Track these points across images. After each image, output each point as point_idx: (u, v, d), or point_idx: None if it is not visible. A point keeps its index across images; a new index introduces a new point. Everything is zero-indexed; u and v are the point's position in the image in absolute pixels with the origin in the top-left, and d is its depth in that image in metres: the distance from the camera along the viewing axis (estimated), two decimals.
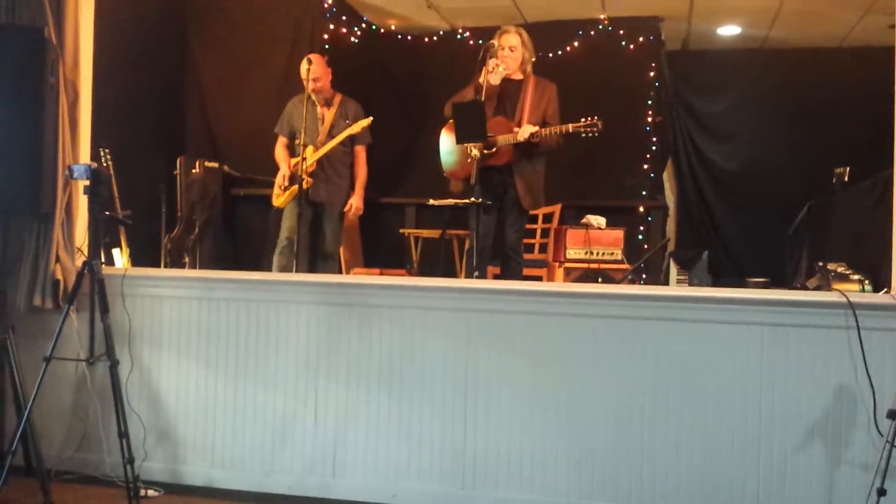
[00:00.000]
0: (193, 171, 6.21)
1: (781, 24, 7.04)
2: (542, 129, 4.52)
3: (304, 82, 5.13)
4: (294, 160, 5.26)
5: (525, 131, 4.50)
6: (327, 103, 5.25)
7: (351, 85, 6.90)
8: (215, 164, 6.36)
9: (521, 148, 4.61)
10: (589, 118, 4.43)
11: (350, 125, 5.22)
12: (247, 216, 6.59)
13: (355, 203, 5.31)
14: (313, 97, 5.20)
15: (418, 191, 7.02)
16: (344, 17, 6.96)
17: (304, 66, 5.13)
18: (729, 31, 7.39)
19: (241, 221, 6.63)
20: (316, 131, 5.20)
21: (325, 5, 6.69)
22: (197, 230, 6.03)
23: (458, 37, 7.45)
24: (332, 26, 6.75)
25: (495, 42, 4.67)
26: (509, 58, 4.69)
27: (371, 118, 5.04)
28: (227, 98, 6.75)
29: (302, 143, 4.90)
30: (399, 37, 7.57)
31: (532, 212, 5.25)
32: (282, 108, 5.47)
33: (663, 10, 6.92)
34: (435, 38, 7.53)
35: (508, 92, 4.70)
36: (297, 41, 6.55)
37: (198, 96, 6.83)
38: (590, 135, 4.45)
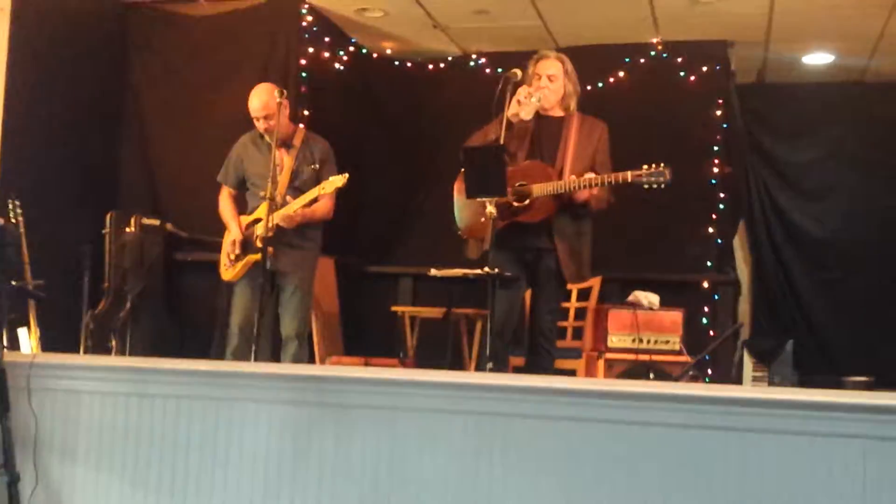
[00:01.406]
0: (127, 229, 6.25)
1: (885, 49, 7.15)
2: (597, 178, 4.53)
3: (255, 121, 5.21)
4: (246, 218, 5.29)
5: (583, 179, 4.51)
6: (285, 144, 5.29)
7: (334, 124, 7.02)
8: (155, 222, 6.42)
9: (564, 203, 4.64)
10: (654, 165, 4.46)
11: (317, 171, 5.24)
12: (195, 289, 6.62)
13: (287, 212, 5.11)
14: (267, 138, 5.27)
15: (416, 257, 7.05)
16: (327, 39, 7.13)
17: (251, 101, 5.21)
18: (818, 59, 7.51)
19: (188, 295, 6.66)
20: (272, 182, 5.21)
21: (304, 24, 6.86)
22: (129, 305, 6.04)
23: (472, 64, 7.60)
24: (311, 49, 6.91)
25: (519, 72, 4.73)
26: (547, 89, 4.74)
27: (346, 176, 5.00)
28: (176, 139, 6.88)
29: (268, 194, 4.91)
30: (396, 63, 7.73)
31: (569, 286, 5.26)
32: None
33: (734, 33, 7.06)
34: (442, 65, 7.68)
35: (546, 131, 4.75)
36: (267, 69, 6.71)
37: (138, 136, 6.97)
38: (654, 187, 4.46)
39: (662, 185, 4.44)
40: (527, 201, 4.60)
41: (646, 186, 4.46)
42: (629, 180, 4.48)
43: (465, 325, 6.21)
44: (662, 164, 4.43)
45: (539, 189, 4.60)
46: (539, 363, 4.77)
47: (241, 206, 5.38)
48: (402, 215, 7.59)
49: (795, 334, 7.23)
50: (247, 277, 5.20)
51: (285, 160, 5.25)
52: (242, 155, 5.36)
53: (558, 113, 4.82)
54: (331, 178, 5.03)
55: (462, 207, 4.83)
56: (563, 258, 4.65)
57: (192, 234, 6.51)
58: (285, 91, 5.16)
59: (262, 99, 5.19)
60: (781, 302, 7.63)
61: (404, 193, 7.63)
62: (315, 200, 5.11)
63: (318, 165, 5.26)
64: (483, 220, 4.47)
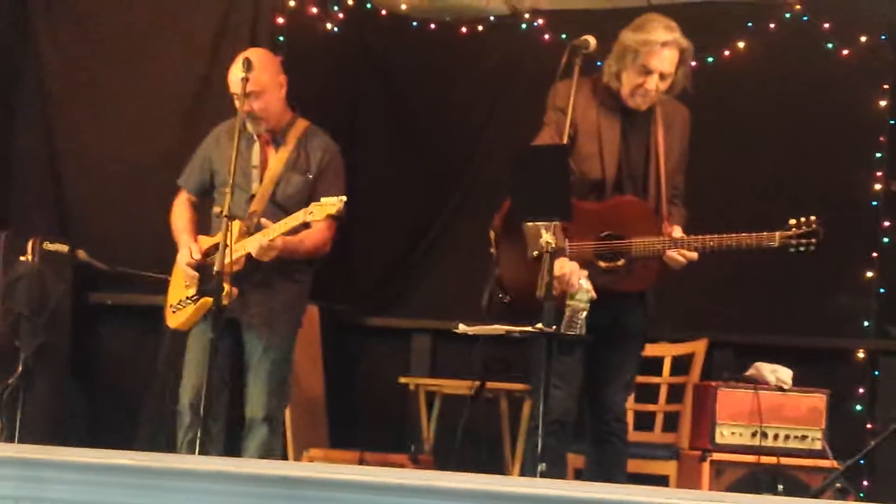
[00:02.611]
0: (21, 257, 6.29)
1: None
2: (724, 238, 4.75)
3: (235, 100, 5.24)
4: (206, 240, 5.31)
5: (706, 239, 4.79)
6: (274, 140, 5.34)
7: (321, 109, 7.04)
8: (63, 248, 6.46)
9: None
10: (803, 220, 4.68)
11: (310, 183, 5.25)
12: (116, 344, 6.66)
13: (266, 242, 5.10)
14: (249, 127, 5.30)
15: (436, 306, 7.11)
16: None
17: (234, 71, 5.24)
18: None
19: (106, 354, 6.68)
20: (248, 189, 5.25)
21: None
22: (20, 368, 6.05)
23: (524, 27, 7.62)
24: (291, 3, 6.96)
25: (592, 40, 4.76)
26: (654, 91, 4.80)
27: (342, 199, 4.96)
28: (94, 127, 6.94)
29: (224, 210, 4.90)
30: (415, 24, 7.74)
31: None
32: (190, 153, 5.60)
33: None
34: (481, 27, 7.68)
35: (633, 135, 4.85)
36: (227, 33, 6.79)
37: (40, 128, 7.03)
38: (802, 250, 4.70)
39: (813, 249, 4.69)
40: (621, 262, 4.68)
41: (792, 250, 4.71)
42: (776, 243, 4.72)
43: (506, 405, 6.22)
44: (815, 220, 4.69)
45: (640, 247, 4.72)
46: (612, 460, 4.85)
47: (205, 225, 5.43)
48: (418, 246, 7.59)
49: None
50: (204, 325, 5.18)
51: (270, 162, 5.26)
52: (212, 151, 5.44)
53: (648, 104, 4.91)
54: (322, 200, 5.02)
55: (506, 260, 4.86)
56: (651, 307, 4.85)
57: (114, 266, 6.52)
58: (252, 62, 5.17)
59: (256, 70, 5.17)
60: None
61: (421, 214, 7.64)
62: (306, 226, 5.10)
63: (313, 174, 5.27)
64: (535, 254, 4.48)
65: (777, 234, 4.68)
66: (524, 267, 4.68)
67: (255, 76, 5.18)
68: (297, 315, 5.39)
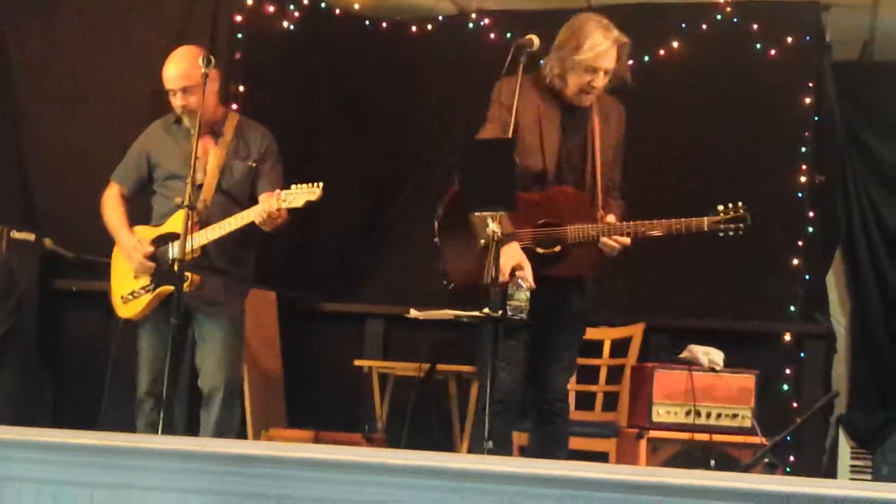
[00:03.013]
0: None
1: None
2: (657, 224, 4.70)
3: (170, 96, 5.23)
4: (149, 230, 5.27)
5: (637, 225, 4.74)
6: (212, 132, 5.31)
7: (279, 105, 7.04)
8: (29, 236, 6.40)
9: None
10: (731, 206, 4.68)
11: (254, 169, 5.25)
12: (81, 329, 6.61)
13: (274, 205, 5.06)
14: (185, 122, 5.29)
15: (390, 292, 7.10)
16: None
17: (168, 68, 5.23)
18: None
19: (71, 339, 6.64)
20: (191, 183, 5.20)
21: None
22: None
23: (472, 26, 7.64)
24: (249, 1, 6.93)
25: (536, 39, 4.76)
26: (599, 89, 4.81)
27: (319, 185, 4.99)
28: (58, 125, 6.88)
29: (186, 200, 4.87)
30: (367, 23, 7.76)
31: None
32: None
33: None
34: (430, 26, 7.73)
35: (571, 126, 4.84)
36: (186, 28, 6.73)
37: (6, 119, 6.93)
38: (730, 234, 4.69)
39: (741, 233, 4.68)
40: (557, 248, 4.70)
41: (721, 234, 4.70)
42: (705, 228, 4.71)
43: (455, 387, 6.21)
44: (742, 206, 4.68)
45: (575, 233, 4.71)
46: (554, 437, 4.84)
47: (137, 216, 5.37)
48: (371, 234, 7.59)
49: None
50: (157, 316, 5.19)
51: (211, 153, 5.25)
52: (150, 146, 5.39)
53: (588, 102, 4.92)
54: (296, 188, 5.00)
55: (450, 248, 4.89)
56: (581, 300, 4.82)
57: (79, 253, 6.49)
58: (213, 58, 5.16)
59: (182, 66, 5.21)
60: (893, 362, 7.60)
61: (374, 204, 7.64)
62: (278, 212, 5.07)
63: (255, 162, 5.27)
64: (483, 242, 4.49)
65: (705, 219, 4.69)
66: (467, 255, 4.72)
67: (188, 71, 5.17)
68: (243, 295, 5.41)
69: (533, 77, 4.87)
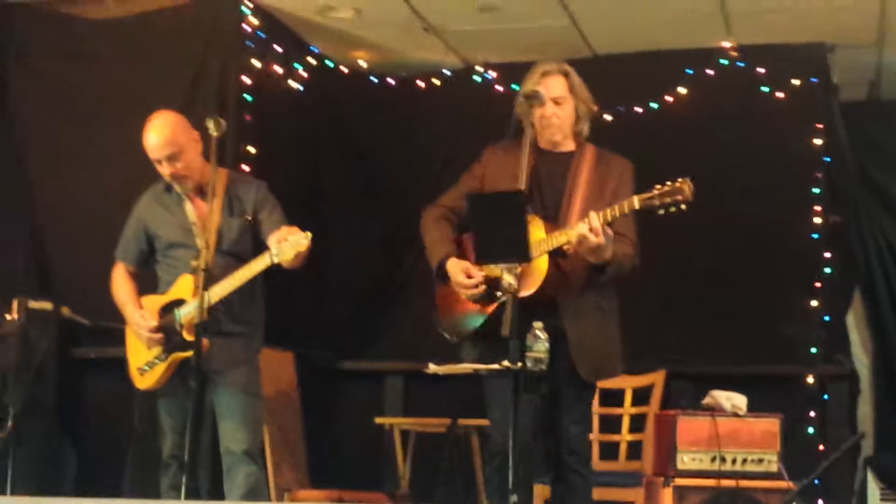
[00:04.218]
0: (7, 316, 6.26)
1: None
2: (594, 215, 4.51)
3: (156, 165, 5.23)
4: (156, 299, 5.28)
5: (577, 229, 4.51)
6: (200, 193, 5.31)
7: (289, 163, 7.08)
8: (47, 305, 6.42)
9: (569, 269, 4.67)
10: (670, 182, 4.46)
11: (251, 224, 5.25)
12: (100, 397, 6.62)
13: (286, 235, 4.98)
14: (177, 188, 5.30)
15: (407, 349, 7.09)
16: (279, 49, 7.22)
17: (149, 138, 5.21)
18: None
19: (91, 407, 6.65)
20: (193, 246, 5.21)
21: (246, 28, 6.96)
22: (11, 423, 6.00)
23: (477, 79, 7.69)
24: (257, 63, 6.99)
25: (543, 89, 4.81)
26: (553, 117, 4.82)
27: (308, 235, 4.88)
28: (72, 188, 6.92)
29: (201, 264, 4.89)
30: (374, 80, 7.82)
31: (601, 384, 5.27)
32: None
33: (835, 33, 7.12)
34: (437, 81, 7.78)
35: (548, 173, 4.82)
36: (196, 91, 6.80)
37: (19, 187, 6.99)
38: (673, 210, 4.47)
39: (682, 206, 4.44)
40: (518, 269, 4.52)
41: (661, 212, 4.48)
42: (636, 207, 4.51)
43: (477, 441, 6.21)
44: (681, 180, 4.44)
45: (536, 245, 4.58)
46: (572, 493, 4.76)
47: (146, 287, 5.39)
48: (385, 291, 7.60)
49: None
50: (173, 383, 5.20)
51: (207, 213, 5.19)
52: (145, 219, 5.39)
53: (568, 146, 4.89)
54: (288, 239, 4.89)
55: (448, 310, 4.90)
56: (575, 347, 4.67)
57: (96, 321, 6.49)
58: (222, 121, 5.15)
59: (164, 133, 5.18)
60: None
61: (386, 259, 7.65)
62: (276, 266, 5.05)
63: (251, 215, 5.27)
64: (500, 294, 4.51)
65: (635, 197, 4.50)
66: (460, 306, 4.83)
67: (171, 138, 5.17)
68: (254, 355, 5.37)
69: (517, 142, 4.88)
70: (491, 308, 4.73)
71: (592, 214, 4.51)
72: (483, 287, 4.72)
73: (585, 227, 4.49)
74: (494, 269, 4.65)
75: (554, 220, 4.71)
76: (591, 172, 4.80)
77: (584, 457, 4.86)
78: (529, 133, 4.72)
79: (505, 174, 4.79)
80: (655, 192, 4.47)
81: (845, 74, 7.43)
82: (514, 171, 4.69)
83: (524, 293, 4.52)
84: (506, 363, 4.36)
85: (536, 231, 4.63)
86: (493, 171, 4.90)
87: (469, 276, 4.74)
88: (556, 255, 4.63)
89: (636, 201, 4.51)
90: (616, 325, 4.84)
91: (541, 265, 4.62)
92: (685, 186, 4.42)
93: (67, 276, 6.82)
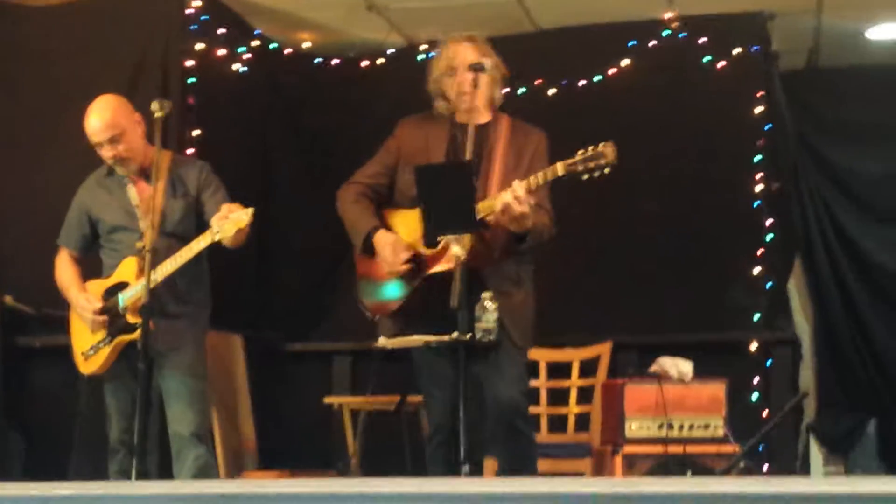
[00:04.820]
0: None
1: None
2: (517, 185, 4.50)
3: (97, 149, 5.21)
4: (100, 283, 5.27)
5: (501, 198, 4.50)
6: (143, 175, 5.29)
7: (234, 145, 7.05)
8: None
9: (489, 239, 4.67)
10: (592, 147, 4.47)
11: (193, 203, 5.23)
12: (45, 385, 6.58)
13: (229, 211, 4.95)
14: (119, 171, 5.29)
15: (355, 329, 7.00)
16: (222, 31, 7.21)
17: (90, 122, 5.20)
18: (889, 32, 7.65)
19: (36, 395, 6.62)
20: (137, 229, 5.21)
21: (189, 12, 6.95)
22: None
23: (421, 58, 7.68)
24: (200, 46, 6.97)
25: (487, 61, 4.78)
26: (466, 86, 4.76)
27: (250, 211, 4.85)
28: (14, 176, 6.89)
29: (147, 245, 4.86)
30: (318, 61, 7.81)
31: (549, 357, 5.28)
32: None
33: (773, 1, 7.17)
34: (380, 60, 7.78)
35: (463, 143, 4.74)
36: (139, 76, 6.77)
37: None
38: (596, 175, 4.48)
39: (606, 170, 4.45)
40: (439, 245, 4.63)
41: (585, 177, 4.48)
42: (560, 173, 4.51)
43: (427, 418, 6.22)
44: (602, 144, 4.45)
45: None
46: (520, 452, 4.74)
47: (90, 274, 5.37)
48: (333, 270, 7.59)
49: (879, 410, 7.28)
50: (119, 367, 5.17)
51: (150, 195, 5.15)
52: (88, 203, 5.36)
53: (483, 117, 4.86)
54: (229, 217, 4.85)
55: (366, 278, 4.89)
56: (505, 314, 4.62)
57: (40, 309, 6.47)
58: (167, 102, 5.12)
59: (105, 116, 5.16)
60: (858, 366, 7.65)
61: (334, 240, 7.61)
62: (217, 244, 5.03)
63: (194, 196, 5.25)
64: (451, 263, 4.50)
65: (559, 163, 4.50)
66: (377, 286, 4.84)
67: (112, 120, 5.15)
68: (199, 336, 5.34)
69: (432, 112, 4.90)
70: (414, 283, 4.74)
71: (517, 183, 4.51)
72: (409, 266, 4.72)
73: (510, 196, 4.49)
74: (420, 246, 4.68)
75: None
76: (507, 144, 4.81)
77: (528, 418, 4.87)
78: (446, 106, 4.78)
79: (421, 147, 4.83)
80: (578, 157, 4.48)
81: (785, 42, 7.49)
82: (429, 143, 4.78)
83: (448, 266, 4.55)
84: (455, 335, 4.39)
85: None
86: (408, 145, 4.91)
87: (396, 252, 4.73)
88: (479, 226, 4.61)
89: (560, 167, 4.52)
90: (532, 296, 4.85)
91: (464, 237, 4.57)
92: (608, 150, 4.44)
93: (11, 265, 6.77)
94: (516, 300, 4.76)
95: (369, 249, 4.84)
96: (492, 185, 4.71)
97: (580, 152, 4.49)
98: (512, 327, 4.70)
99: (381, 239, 4.81)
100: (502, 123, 4.87)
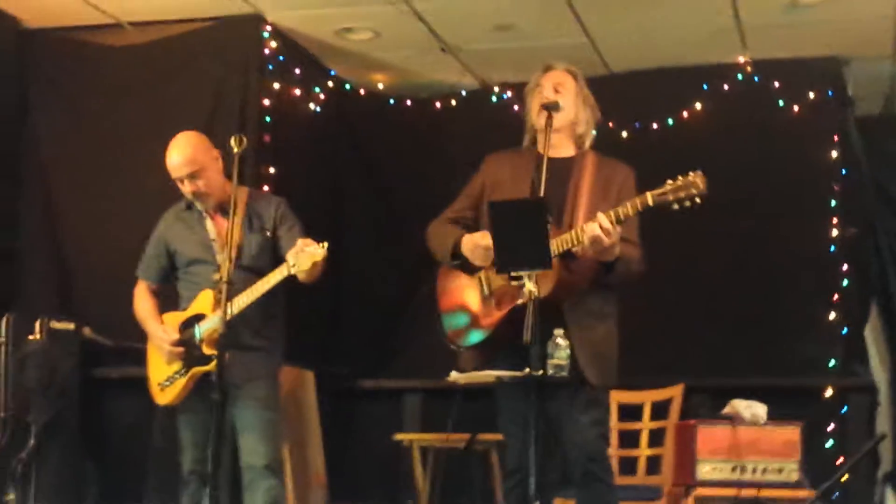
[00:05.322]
0: (30, 336, 6.29)
1: None
2: (599, 218, 4.40)
3: (178, 184, 5.29)
4: (177, 315, 5.33)
5: (590, 229, 4.41)
6: (221, 210, 5.36)
7: (308, 183, 7.13)
8: (69, 325, 6.46)
9: (577, 271, 4.62)
10: (682, 176, 4.35)
11: (271, 238, 5.29)
12: (122, 416, 6.66)
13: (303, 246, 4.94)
14: (198, 206, 5.36)
15: (426, 366, 7.02)
16: (298, 71, 7.33)
17: (170, 158, 5.27)
18: None
19: (113, 425, 6.69)
20: (213, 262, 5.27)
21: (266, 52, 7.07)
22: (33, 440, 6.03)
23: (495, 99, 7.74)
24: (276, 86, 7.08)
25: (560, 100, 4.77)
26: (549, 104, 4.69)
27: (324, 245, 4.86)
28: (94, 211, 7.00)
29: (224, 276, 4.89)
30: (392, 102, 7.91)
31: (621, 399, 5.20)
32: None
33: (849, 46, 7.20)
34: (454, 101, 7.87)
35: (550, 177, 4.65)
36: (216, 114, 6.89)
37: (42, 207, 7.09)
38: (688, 205, 4.36)
39: (697, 199, 4.32)
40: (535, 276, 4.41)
41: (676, 207, 4.36)
42: (650, 203, 4.39)
43: (497, 456, 6.21)
44: (693, 173, 4.35)
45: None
46: (597, 500, 4.66)
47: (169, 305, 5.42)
48: (403, 309, 7.64)
49: None
50: (193, 398, 5.22)
51: (226, 230, 5.19)
52: (166, 236, 5.43)
53: (567, 151, 4.82)
54: (305, 251, 4.86)
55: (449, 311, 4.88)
56: (583, 352, 4.56)
57: (117, 341, 6.53)
58: (244, 138, 5.18)
59: (186, 152, 5.23)
60: None
61: (406, 278, 7.68)
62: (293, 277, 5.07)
63: (270, 231, 5.31)
64: (520, 300, 4.48)
65: (648, 193, 4.37)
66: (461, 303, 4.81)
67: (192, 156, 5.22)
68: (274, 369, 5.36)
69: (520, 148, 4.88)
70: (495, 319, 4.69)
71: (601, 214, 4.43)
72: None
73: (596, 227, 4.42)
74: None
75: (559, 224, 4.64)
76: (593, 176, 4.75)
77: (606, 463, 4.76)
78: (539, 140, 4.70)
79: (506, 181, 4.79)
80: (668, 186, 4.37)
81: (861, 88, 7.52)
82: (515, 177, 4.71)
83: (523, 301, 4.43)
84: (528, 370, 4.36)
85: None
86: (493, 179, 4.87)
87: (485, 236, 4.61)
88: (565, 257, 4.58)
89: (649, 197, 4.40)
90: (616, 332, 4.75)
91: (551, 270, 4.50)
92: (698, 179, 4.33)
93: (89, 297, 6.88)
94: (597, 336, 4.68)
95: (458, 257, 4.78)
96: (578, 217, 4.65)
97: (669, 182, 4.38)
98: (589, 365, 4.61)
99: (468, 240, 4.72)
100: (588, 157, 4.82)
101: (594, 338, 4.67)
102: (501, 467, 6.06)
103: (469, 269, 4.82)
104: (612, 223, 4.43)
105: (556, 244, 4.53)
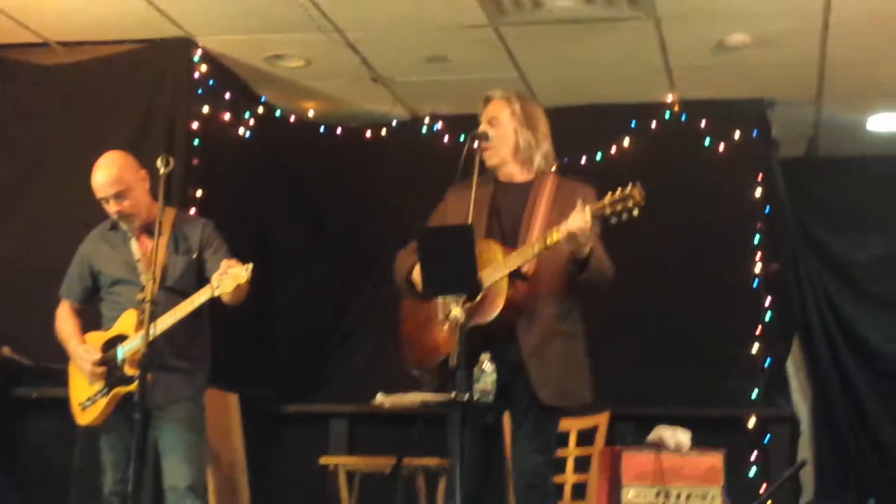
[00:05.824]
0: None
1: None
2: (554, 233, 4.40)
3: (103, 204, 5.25)
4: (99, 335, 5.27)
5: (572, 220, 4.34)
6: (147, 231, 5.30)
7: (236, 208, 7.08)
8: None
9: (537, 288, 4.60)
10: (620, 189, 4.36)
11: (196, 260, 5.26)
12: (42, 437, 6.54)
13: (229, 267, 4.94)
14: (123, 226, 5.32)
15: (353, 391, 7.07)
16: (228, 96, 7.29)
17: (96, 178, 5.23)
18: (887, 122, 7.75)
19: (32, 447, 6.57)
20: (137, 282, 5.19)
21: (196, 76, 7.02)
22: None
23: (425, 131, 7.77)
24: (205, 110, 7.04)
25: (489, 131, 4.79)
26: (492, 136, 4.73)
27: (248, 267, 4.85)
28: (15, 231, 6.91)
29: (148, 296, 4.86)
30: (322, 130, 7.89)
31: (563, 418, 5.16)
32: None
33: (774, 89, 7.31)
34: (384, 131, 7.88)
35: (506, 202, 4.75)
36: (144, 136, 6.81)
37: None
38: (624, 217, 4.37)
39: (634, 212, 4.33)
40: (479, 297, 4.47)
41: (614, 221, 4.37)
42: (588, 217, 4.34)
43: (423, 481, 6.19)
44: (631, 185, 4.35)
45: (489, 275, 4.49)
46: None
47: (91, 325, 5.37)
48: (332, 334, 7.62)
49: (877, 491, 7.25)
50: (115, 419, 5.16)
51: (151, 252, 5.13)
52: (90, 256, 5.39)
53: (524, 176, 4.79)
54: (229, 272, 4.88)
55: (408, 330, 4.85)
56: (535, 373, 4.53)
57: (37, 361, 6.46)
58: (171, 159, 5.15)
59: (111, 172, 5.19)
60: (854, 447, 7.67)
61: (334, 303, 7.67)
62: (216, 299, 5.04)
63: (196, 253, 5.28)
64: (446, 326, 4.48)
65: (587, 206, 4.34)
66: (419, 330, 4.74)
67: (118, 176, 5.19)
68: (197, 390, 5.32)
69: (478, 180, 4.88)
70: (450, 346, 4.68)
71: (582, 207, 4.36)
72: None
73: (580, 218, 4.34)
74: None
75: (513, 244, 4.61)
76: (550, 197, 4.71)
77: (546, 488, 4.64)
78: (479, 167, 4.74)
79: (463, 209, 4.75)
80: (606, 199, 4.38)
81: (785, 130, 7.63)
82: (471, 205, 4.62)
83: (482, 320, 4.48)
84: (453, 395, 4.35)
85: (495, 255, 4.58)
86: (453, 209, 4.85)
87: None
88: (515, 277, 4.54)
89: (589, 211, 4.35)
90: (582, 351, 4.70)
91: (500, 290, 4.53)
92: (636, 191, 4.35)
93: (8, 317, 6.74)
94: (554, 355, 4.60)
95: (412, 287, 4.71)
96: (532, 235, 4.61)
97: (609, 195, 4.39)
98: (540, 386, 4.55)
99: (418, 268, 4.62)
100: (547, 181, 4.77)
101: (550, 357, 4.60)
102: (427, 490, 6.07)
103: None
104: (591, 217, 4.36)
105: (509, 262, 4.50)
